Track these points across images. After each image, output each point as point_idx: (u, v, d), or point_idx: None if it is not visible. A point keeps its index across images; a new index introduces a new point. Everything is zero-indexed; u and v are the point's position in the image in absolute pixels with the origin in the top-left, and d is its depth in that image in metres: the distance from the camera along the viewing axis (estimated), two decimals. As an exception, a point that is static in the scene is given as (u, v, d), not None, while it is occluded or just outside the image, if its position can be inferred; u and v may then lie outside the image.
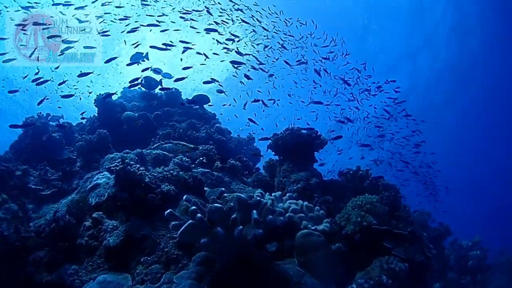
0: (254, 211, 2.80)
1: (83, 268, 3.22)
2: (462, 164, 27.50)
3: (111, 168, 4.12)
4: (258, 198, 2.90)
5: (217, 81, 8.00)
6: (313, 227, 3.55)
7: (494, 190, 29.20)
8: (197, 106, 9.41)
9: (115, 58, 6.56)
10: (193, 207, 2.67)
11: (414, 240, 3.90)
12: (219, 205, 2.69)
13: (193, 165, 5.24)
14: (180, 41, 6.93)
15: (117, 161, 3.56)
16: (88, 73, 6.50)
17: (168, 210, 2.74)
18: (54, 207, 4.71)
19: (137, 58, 7.04)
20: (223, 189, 3.61)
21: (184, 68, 7.28)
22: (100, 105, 7.30)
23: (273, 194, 3.94)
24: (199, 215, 2.58)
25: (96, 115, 7.84)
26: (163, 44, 6.38)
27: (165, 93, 9.33)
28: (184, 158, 5.13)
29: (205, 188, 4.20)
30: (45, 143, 6.02)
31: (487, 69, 19.60)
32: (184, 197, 3.05)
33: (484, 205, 30.27)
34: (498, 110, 22.28)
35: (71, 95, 7.13)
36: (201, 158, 5.42)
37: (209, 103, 9.17)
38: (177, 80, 7.05)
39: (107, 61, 6.58)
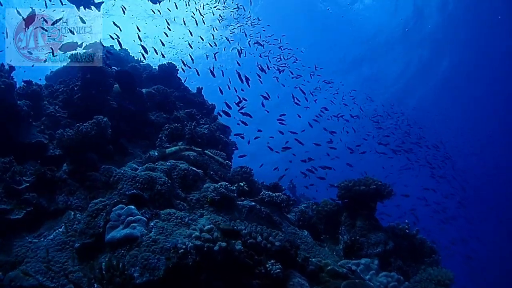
0: None
1: None
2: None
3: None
4: None
5: None
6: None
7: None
8: (195, 91, 7.86)
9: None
10: None
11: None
12: None
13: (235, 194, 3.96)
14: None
15: (205, 230, 2.16)
16: None
17: None
18: (35, 244, 2.98)
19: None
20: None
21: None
22: (89, 71, 5.26)
23: (363, 262, 3.51)
24: None
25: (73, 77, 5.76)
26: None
27: (158, 67, 7.55)
28: (229, 187, 3.84)
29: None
30: (7, 117, 4.03)
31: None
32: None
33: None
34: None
35: None
36: (241, 184, 4.15)
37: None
38: None
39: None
